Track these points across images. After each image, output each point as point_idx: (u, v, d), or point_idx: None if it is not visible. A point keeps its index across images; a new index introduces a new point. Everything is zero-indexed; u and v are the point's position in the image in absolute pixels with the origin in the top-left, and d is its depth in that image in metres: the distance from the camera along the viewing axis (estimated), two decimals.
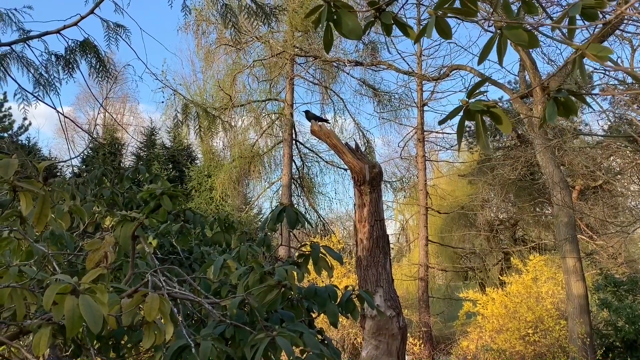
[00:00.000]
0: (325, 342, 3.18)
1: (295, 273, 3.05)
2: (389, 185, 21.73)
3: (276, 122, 18.87)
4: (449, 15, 1.62)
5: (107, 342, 2.48)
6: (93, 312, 1.51)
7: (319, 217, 20.18)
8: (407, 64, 22.16)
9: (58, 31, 4.88)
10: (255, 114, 18.24)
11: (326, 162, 19.86)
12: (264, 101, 18.21)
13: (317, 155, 19.52)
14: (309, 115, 7.21)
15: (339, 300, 3.26)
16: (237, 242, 4.67)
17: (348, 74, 18.88)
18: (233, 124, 17.74)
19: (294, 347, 2.68)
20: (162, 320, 2.11)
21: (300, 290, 3.23)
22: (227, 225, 5.06)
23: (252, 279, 2.69)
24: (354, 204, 7.25)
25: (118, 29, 5.44)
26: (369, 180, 6.91)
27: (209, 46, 18.26)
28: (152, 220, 2.61)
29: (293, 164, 18.71)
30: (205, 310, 2.61)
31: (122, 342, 2.45)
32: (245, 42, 16.63)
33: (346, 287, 3.37)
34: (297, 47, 17.07)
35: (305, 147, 19.23)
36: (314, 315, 3.41)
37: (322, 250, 3.11)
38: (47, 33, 4.85)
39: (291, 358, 2.29)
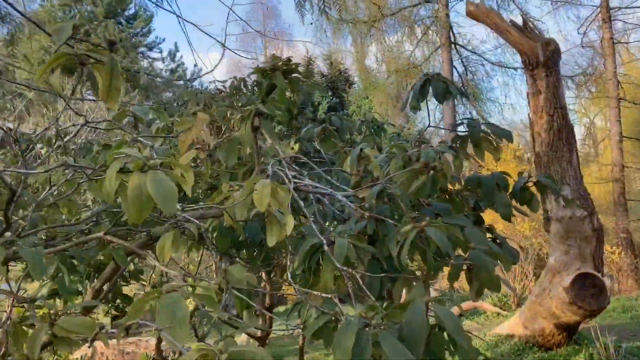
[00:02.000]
0: (498, 240, 2.60)
1: (450, 157, 2.47)
2: (569, 82, 19.09)
3: (431, 28, 17.48)
4: None
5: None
6: (164, 188, 1.16)
7: None
8: None
9: None
10: (408, 22, 17.06)
11: (492, 63, 18.02)
12: (416, 6, 16.87)
13: (481, 57, 17.78)
14: None
15: (510, 189, 2.62)
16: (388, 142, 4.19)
17: None
18: (385, 37, 16.87)
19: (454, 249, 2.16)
20: (283, 213, 1.75)
21: (458, 180, 2.66)
22: (376, 127, 4.58)
23: (394, 166, 2.19)
24: (527, 93, 6.21)
25: None
26: (543, 61, 5.80)
27: None
28: (270, 108, 2.22)
29: (454, 70, 17.32)
30: (345, 206, 2.20)
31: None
32: None
33: (520, 173, 2.70)
34: None
35: (467, 49, 17.58)
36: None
37: (484, 128, 2.46)
38: None
39: (446, 258, 1.77)
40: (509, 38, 5.90)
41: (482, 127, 2.45)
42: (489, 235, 2.59)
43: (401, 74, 17.39)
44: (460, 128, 2.66)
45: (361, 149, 2.49)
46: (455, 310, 8.86)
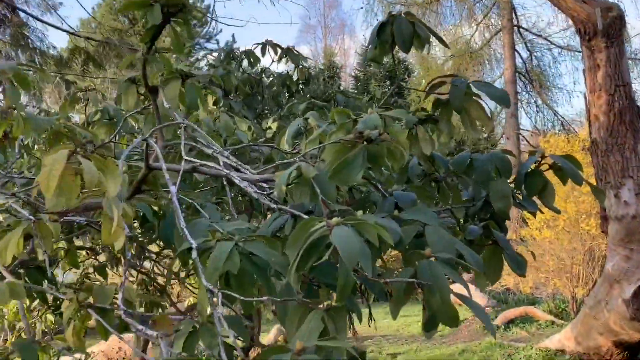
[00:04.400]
0: (498, 241, 1.90)
1: (424, 131, 1.81)
2: None
3: (493, 10, 16.25)
4: None
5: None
6: None
7: (555, 114, 17.22)
8: None
9: None
10: (467, 4, 15.94)
11: (560, 47, 16.52)
12: None
13: (548, 40, 16.33)
14: None
15: (513, 175, 1.91)
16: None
17: None
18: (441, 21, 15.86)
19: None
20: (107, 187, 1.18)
21: (443, 161, 1.98)
22: (387, 108, 3.90)
23: (334, 138, 1.56)
24: (583, 70, 5.29)
25: None
26: (602, 29, 4.87)
27: None
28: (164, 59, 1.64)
29: (517, 55, 16.02)
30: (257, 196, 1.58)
31: None
32: None
33: (531, 152, 1.97)
34: None
35: (532, 32, 16.20)
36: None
37: (470, 86, 1.77)
38: None
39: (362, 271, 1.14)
40: (560, 4, 5.01)
41: (469, 86, 1.76)
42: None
43: (458, 59, 16.31)
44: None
45: (305, 119, 1.87)
46: (502, 317, 7.97)
